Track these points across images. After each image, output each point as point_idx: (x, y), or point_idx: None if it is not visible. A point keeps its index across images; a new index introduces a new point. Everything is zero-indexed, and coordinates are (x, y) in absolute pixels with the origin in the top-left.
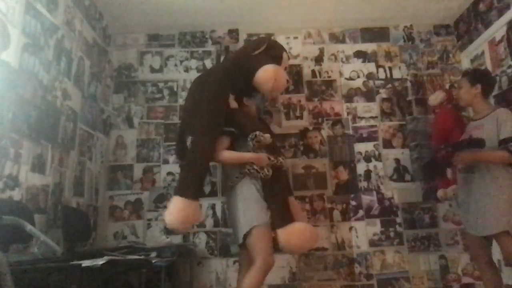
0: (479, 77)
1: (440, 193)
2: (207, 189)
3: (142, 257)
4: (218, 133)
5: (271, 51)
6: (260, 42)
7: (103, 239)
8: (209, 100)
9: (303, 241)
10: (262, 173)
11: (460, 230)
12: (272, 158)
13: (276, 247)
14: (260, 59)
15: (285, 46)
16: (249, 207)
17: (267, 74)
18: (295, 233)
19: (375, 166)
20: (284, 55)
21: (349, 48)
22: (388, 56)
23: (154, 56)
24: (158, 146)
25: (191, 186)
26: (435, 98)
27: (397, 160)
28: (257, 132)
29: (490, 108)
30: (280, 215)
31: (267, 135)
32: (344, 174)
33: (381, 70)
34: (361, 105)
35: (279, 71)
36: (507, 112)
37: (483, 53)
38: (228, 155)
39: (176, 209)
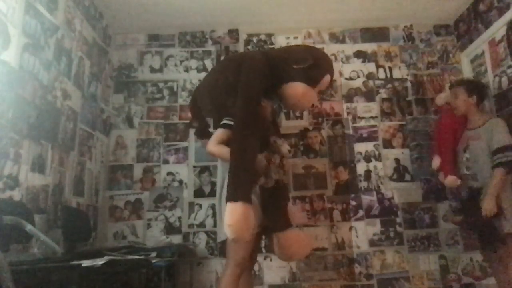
0: (475, 88)
1: (448, 179)
2: (207, 189)
3: (142, 257)
4: (259, 131)
5: (313, 71)
6: (305, 58)
7: (103, 239)
8: (248, 97)
9: (302, 247)
10: (261, 180)
11: (460, 230)
12: (275, 175)
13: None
14: (296, 75)
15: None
16: None
17: (293, 92)
18: (294, 238)
19: (375, 166)
20: (326, 78)
21: (349, 48)
22: (388, 56)
23: (154, 56)
24: (158, 146)
25: (248, 188)
26: (444, 97)
27: (397, 160)
28: (279, 140)
29: (484, 118)
30: (281, 219)
31: (286, 148)
32: (344, 174)
33: (381, 70)
34: (361, 105)
35: (308, 94)
36: (499, 122)
37: (483, 53)
38: (220, 150)
39: (240, 217)
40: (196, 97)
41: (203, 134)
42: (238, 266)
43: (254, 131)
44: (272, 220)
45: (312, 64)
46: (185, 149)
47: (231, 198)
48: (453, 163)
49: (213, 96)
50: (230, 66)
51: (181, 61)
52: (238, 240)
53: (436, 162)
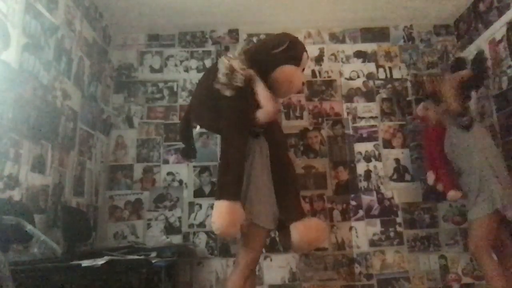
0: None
1: (451, 194)
2: (207, 189)
3: (142, 257)
4: (247, 130)
5: (292, 51)
6: (282, 40)
7: (103, 239)
8: (231, 97)
9: (320, 236)
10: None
11: (460, 230)
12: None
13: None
14: (279, 58)
15: None
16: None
17: (284, 75)
18: (313, 227)
19: (375, 166)
20: (304, 55)
21: (349, 48)
22: (388, 56)
23: (154, 56)
24: (158, 146)
25: (232, 187)
26: (423, 108)
27: (397, 160)
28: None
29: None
30: (297, 208)
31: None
32: (344, 174)
33: (381, 70)
34: (361, 105)
35: (297, 73)
36: None
37: (483, 53)
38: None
39: (223, 214)
40: (188, 116)
41: (187, 155)
42: (247, 268)
43: (239, 129)
44: (286, 212)
45: (288, 44)
46: None
47: (216, 197)
48: (450, 175)
49: (206, 105)
50: (213, 70)
51: (181, 61)
52: (223, 235)
53: (431, 178)
